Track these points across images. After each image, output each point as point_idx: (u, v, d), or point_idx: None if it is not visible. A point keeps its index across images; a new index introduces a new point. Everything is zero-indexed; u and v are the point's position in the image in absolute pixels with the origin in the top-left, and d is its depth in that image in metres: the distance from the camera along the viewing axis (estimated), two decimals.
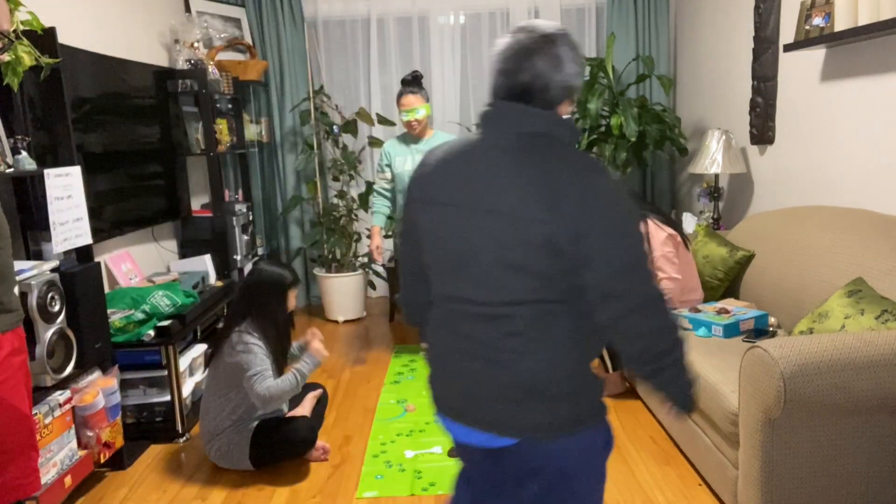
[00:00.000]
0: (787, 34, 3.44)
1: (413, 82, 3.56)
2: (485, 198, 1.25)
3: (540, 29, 1.28)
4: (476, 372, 1.32)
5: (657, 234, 2.96)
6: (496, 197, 1.24)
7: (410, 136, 3.66)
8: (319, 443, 2.80)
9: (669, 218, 3.07)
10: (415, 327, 1.60)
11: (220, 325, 3.11)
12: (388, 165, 3.65)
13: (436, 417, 1.46)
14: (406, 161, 3.61)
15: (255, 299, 2.69)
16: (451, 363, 1.37)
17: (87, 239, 2.68)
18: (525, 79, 1.26)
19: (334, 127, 4.75)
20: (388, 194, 3.69)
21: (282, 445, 2.65)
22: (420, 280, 1.50)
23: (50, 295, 2.36)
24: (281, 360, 2.73)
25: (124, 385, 2.97)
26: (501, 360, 1.29)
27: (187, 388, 3.14)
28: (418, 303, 1.54)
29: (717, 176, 3.99)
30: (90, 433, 2.59)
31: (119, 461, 2.79)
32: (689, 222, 4.20)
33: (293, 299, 2.79)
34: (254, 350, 2.60)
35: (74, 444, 2.49)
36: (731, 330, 2.70)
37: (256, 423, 2.66)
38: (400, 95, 3.55)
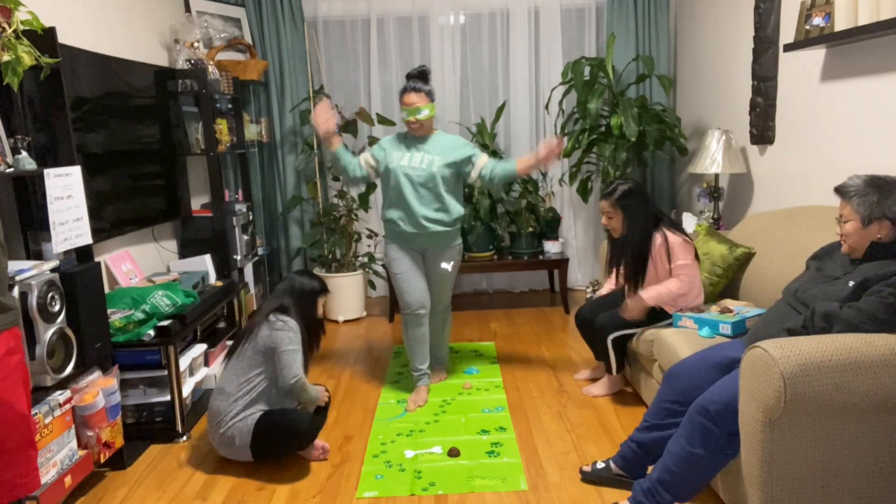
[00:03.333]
0: (787, 34, 3.44)
1: (418, 78, 3.19)
2: None
3: None
4: None
5: (676, 241, 2.96)
6: None
7: (411, 134, 3.28)
8: (319, 442, 2.81)
9: (679, 227, 3.06)
10: None
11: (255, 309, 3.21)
12: (379, 157, 3.26)
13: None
14: (404, 156, 3.21)
15: (294, 299, 2.83)
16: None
17: (87, 239, 2.68)
18: None
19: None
20: (362, 166, 3.28)
21: (283, 437, 2.65)
22: None
23: (50, 295, 2.36)
24: (308, 355, 2.85)
25: (124, 385, 2.97)
26: None
27: (187, 388, 3.14)
28: None
29: (717, 176, 3.99)
30: (90, 433, 2.59)
31: (119, 461, 2.79)
32: (689, 222, 4.20)
33: (321, 306, 2.95)
34: (293, 328, 2.73)
35: (74, 443, 2.49)
36: (739, 328, 2.68)
37: (261, 413, 2.68)
38: (403, 91, 3.18)
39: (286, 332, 2.70)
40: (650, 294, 2.97)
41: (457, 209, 3.29)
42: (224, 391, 2.72)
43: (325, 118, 3.12)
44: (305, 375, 2.79)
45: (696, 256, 3.01)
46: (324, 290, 2.93)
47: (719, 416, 2.05)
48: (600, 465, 2.54)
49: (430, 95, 3.20)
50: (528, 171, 3.18)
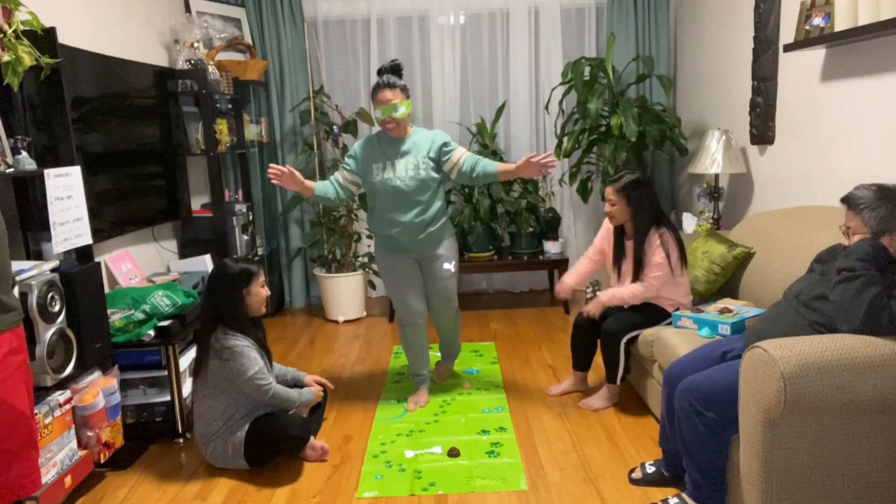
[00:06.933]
0: (787, 34, 3.44)
1: (391, 72, 3.01)
2: None
3: None
4: None
5: (670, 241, 2.97)
6: None
7: (385, 137, 3.09)
8: (319, 443, 2.81)
9: (676, 231, 3.04)
10: None
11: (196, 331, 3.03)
12: (353, 168, 3.12)
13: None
14: (386, 167, 3.05)
15: (217, 300, 2.69)
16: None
17: (87, 239, 2.68)
18: None
19: (334, 127, 4.75)
20: (343, 186, 3.13)
21: (274, 443, 2.65)
22: None
23: (50, 295, 2.36)
24: (264, 351, 2.78)
25: (124, 385, 2.97)
26: None
27: (187, 388, 3.14)
28: None
29: (717, 176, 3.99)
30: (90, 433, 2.59)
31: (119, 461, 2.79)
32: (689, 222, 4.20)
33: (258, 289, 2.75)
34: (242, 352, 2.61)
35: (74, 444, 2.49)
36: (738, 328, 2.68)
37: (249, 422, 2.66)
38: (376, 88, 2.97)
39: (238, 361, 2.60)
40: (607, 296, 3.04)
41: (438, 204, 3.15)
42: (201, 416, 2.70)
43: (289, 184, 2.91)
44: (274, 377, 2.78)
45: (685, 260, 3.00)
46: (250, 273, 2.70)
47: (706, 403, 2.13)
48: (650, 468, 2.52)
49: (405, 91, 3.00)
50: (507, 177, 3.04)
